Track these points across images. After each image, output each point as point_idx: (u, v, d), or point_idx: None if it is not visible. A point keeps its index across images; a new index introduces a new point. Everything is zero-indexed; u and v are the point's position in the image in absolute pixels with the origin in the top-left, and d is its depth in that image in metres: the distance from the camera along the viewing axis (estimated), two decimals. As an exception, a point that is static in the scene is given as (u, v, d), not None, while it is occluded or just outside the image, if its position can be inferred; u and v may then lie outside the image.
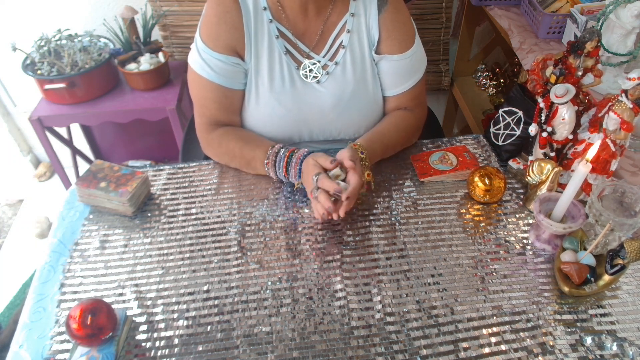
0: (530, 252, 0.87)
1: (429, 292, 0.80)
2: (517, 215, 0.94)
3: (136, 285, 0.82)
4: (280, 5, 0.96)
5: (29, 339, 0.75)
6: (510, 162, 1.04)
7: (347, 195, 0.83)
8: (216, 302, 0.79)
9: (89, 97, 1.70)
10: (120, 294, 0.81)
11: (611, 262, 0.78)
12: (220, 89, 0.97)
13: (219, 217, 0.94)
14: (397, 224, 0.92)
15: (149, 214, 0.95)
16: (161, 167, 1.06)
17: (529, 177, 0.92)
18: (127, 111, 1.68)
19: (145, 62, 1.70)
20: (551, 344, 0.73)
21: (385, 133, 1.02)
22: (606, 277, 0.78)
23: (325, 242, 0.89)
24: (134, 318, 0.77)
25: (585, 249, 0.82)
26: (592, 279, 0.78)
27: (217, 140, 1.02)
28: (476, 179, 0.93)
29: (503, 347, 0.73)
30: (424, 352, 0.72)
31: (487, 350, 0.72)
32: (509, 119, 1.03)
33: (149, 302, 0.80)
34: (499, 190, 0.93)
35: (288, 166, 0.95)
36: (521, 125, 1.00)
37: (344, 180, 0.87)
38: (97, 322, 0.68)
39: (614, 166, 0.88)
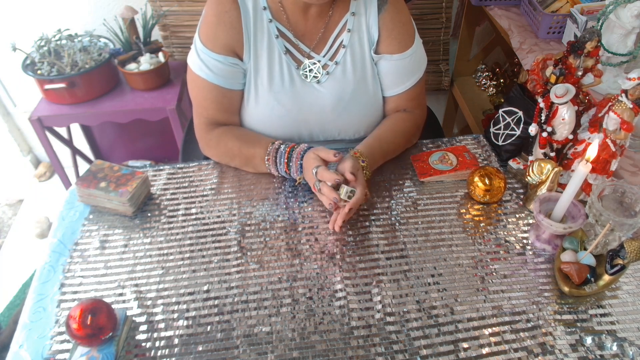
0: (530, 252, 0.87)
1: (429, 292, 0.80)
2: (517, 215, 0.94)
3: (136, 285, 0.82)
4: (281, 6, 0.96)
5: (29, 339, 0.75)
6: (510, 162, 1.04)
7: (350, 206, 0.84)
8: (216, 302, 0.79)
9: (89, 97, 1.70)
10: (120, 294, 0.81)
11: (611, 262, 0.78)
12: (218, 90, 0.97)
13: (219, 217, 0.94)
14: (397, 224, 0.92)
15: (149, 214, 0.95)
16: (161, 167, 1.06)
17: (529, 177, 0.92)
18: (127, 111, 1.68)
19: (145, 62, 1.70)
20: (551, 344, 0.73)
21: (384, 137, 1.02)
22: (606, 277, 0.78)
23: (325, 242, 0.89)
24: (134, 318, 0.77)
25: (585, 249, 0.82)
26: (592, 279, 0.78)
27: (215, 140, 1.02)
28: (476, 179, 0.93)
29: (503, 347, 0.73)
30: (424, 352, 0.72)
31: (487, 350, 0.72)
32: (509, 119, 1.03)
33: (149, 302, 0.79)
34: (499, 190, 0.93)
35: (289, 162, 0.95)
36: (521, 125, 1.00)
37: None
38: (97, 322, 0.68)
39: (614, 166, 0.88)
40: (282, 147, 0.96)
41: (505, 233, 0.90)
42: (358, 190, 0.86)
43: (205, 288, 0.81)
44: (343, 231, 0.90)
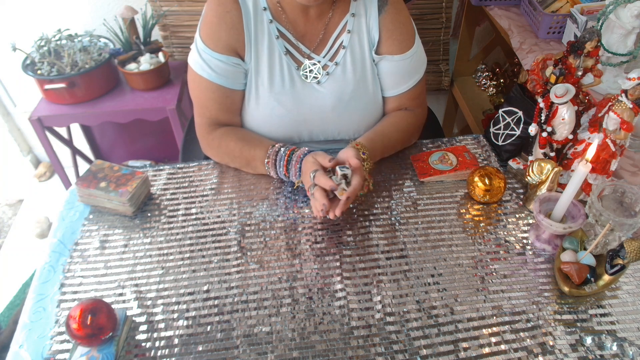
0: (530, 252, 0.87)
1: (429, 292, 0.80)
2: (517, 215, 0.94)
3: (136, 285, 0.82)
4: (280, 7, 0.96)
5: (29, 339, 0.75)
6: (510, 162, 1.04)
7: (347, 195, 0.83)
8: (216, 302, 0.79)
9: (89, 97, 1.70)
10: (120, 294, 0.81)
11: (611, 262, 0.78)
12: (220, 89, 0.97)
13: (219, 217, 0.94)
14: (397, 224, 0.92)
15: (149, 214, 0.95)
16: (161, 167, 1.06)
17: (529, 177, 0.92)
18: (127, 111, 1.68)
19: (145, 62, 1.69)
20: (551, 344, 0.73)
21: (386, 133, 1.02)
22: (606, 277, 0.78)
23: (325, 242, 0.89)
24: (134, 318, 0.77)
25: (585, 249, 0.82)
26: (592, 279, 0.78)
27: (217, 141, 1.02)
28: (476, 179, 0.93)
29: (503, 347, 0.73)
30: (424, 352, 0.72)
31: (487, 350, 0.72)
32: (509, 119, 1.03)
33: (149, 302, 0.80)
34: (499, 190, 0.93)
35: (288, 165, 0.95)
36: (521, 125, 1.00)
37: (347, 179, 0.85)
38: (97, 322, 0.68)
39: (613, 166, 0.88)
40: (282, 149, 0.96)
41: (505, 233, 0.90)
42: (356, 180, 0.84)
43: (205, 288, 0.81)
44: (343, 231, 0.90)
